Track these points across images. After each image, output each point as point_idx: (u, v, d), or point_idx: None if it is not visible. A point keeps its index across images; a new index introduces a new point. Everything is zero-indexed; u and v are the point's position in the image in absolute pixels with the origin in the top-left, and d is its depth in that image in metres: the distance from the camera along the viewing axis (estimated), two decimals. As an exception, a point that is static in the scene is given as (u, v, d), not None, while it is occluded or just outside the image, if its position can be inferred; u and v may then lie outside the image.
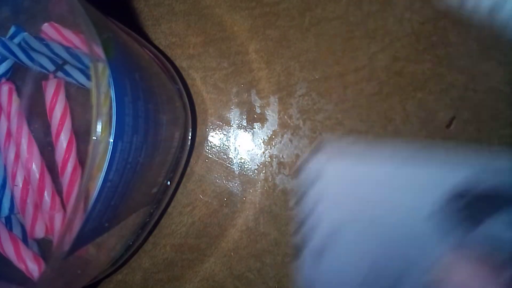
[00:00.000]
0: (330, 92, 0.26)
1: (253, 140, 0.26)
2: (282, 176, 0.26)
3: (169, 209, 0.26)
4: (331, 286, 0.17)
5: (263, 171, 0.26)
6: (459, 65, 0.26)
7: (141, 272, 0.26)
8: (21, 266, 0.22)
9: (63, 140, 0.22)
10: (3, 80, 0.24)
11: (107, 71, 0.15)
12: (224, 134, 0.26)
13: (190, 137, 0.25)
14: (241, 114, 0.26)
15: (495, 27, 0.26)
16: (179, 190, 0.26)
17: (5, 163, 0.23)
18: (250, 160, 0.26)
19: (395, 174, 0.21)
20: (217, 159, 0.26)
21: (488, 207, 0.19)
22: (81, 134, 0.22)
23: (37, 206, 0.22)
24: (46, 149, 0.23)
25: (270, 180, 0.26)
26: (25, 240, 0.23)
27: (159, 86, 0.22)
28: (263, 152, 0.26)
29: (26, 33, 0.24)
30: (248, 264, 0.26)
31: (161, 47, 0.26)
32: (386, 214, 0.20)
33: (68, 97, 0.23)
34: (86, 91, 0.23)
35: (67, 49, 0.23)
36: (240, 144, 0.26)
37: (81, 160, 0.22)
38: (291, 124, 0.26)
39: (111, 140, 0.15)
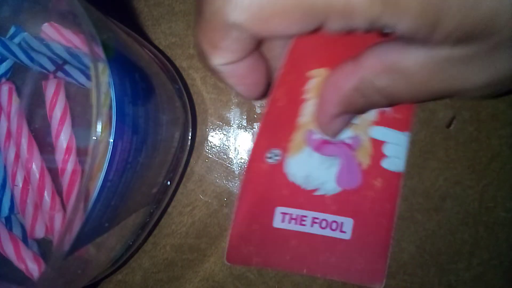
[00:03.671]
0: (330, 92, 0.26)
1: (253, 140, 0.26)
2: (282, 176, 0.26)
3: (169, 209, 0.26)
4: None
5: (263, 171, 0.26)
6: (459, 65, 0.26)
7: (141, 272, 0.26)
8: (21, 266, 0.22)
9: (63, 140, 0.22)
10: (3, 80, 0.24)
11: (107, 71, 0.15)
12: (224, 134, 0.26)
13: (190, 137, 0.25)
14: (241, 114, 0.26)
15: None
16: (179, 190, 0.26)
17: (5, 163, 0.23)
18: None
19: None
20: (217, 159, 0.26)
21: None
22: (81, 134, 0.22)
23: (37, 206, 0.22)
24: (46, 149, 0.23)
25: (270, 180, 0.26)
26: (25, 240, 0.23)
27: (159, 86, 0.22)
28: (263, 152, 0.26)
29: (26, 33, 0.24)
30: (248, 264, 0.26)
31: (161, 47, 0.26)
32: None
33: (68, 97, 0.23)
34: (86, 91, 0.23)
35: (67, 49, 0.23)
36: (240, 144, 0.26)
37: (81, 160, 0.22)
38: (291, 124, 0.26)
39: (111, 140, 0.15)
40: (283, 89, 0.22)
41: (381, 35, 0.22)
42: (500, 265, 0.26)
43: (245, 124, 0.26)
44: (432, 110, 0.26)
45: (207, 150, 0.26)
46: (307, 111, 0.23)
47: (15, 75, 0.25)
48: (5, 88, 0.23)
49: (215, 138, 0.26)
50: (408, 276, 0.26)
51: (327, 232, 0.24)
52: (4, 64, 0.24)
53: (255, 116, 0.26)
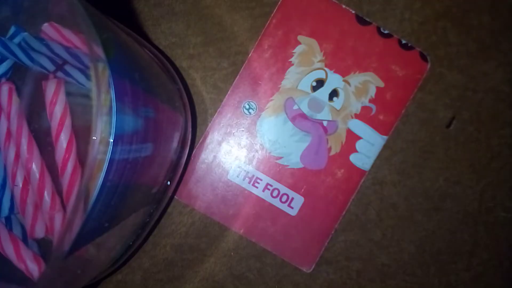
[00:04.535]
0: (330, 92, 0.26)
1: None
2: (282, 176, 0.26)
3: (169, 209, 0.26)
4: None
5: (263, 171, 0.26)
6: (459, 65, 0.26)
7: (141, 272, 0.26)
8: (21, 266, 0.22)
9: (63, 140, 0.22)
10: (3, 80, 0.24)
11: (107, 71, 0.15)
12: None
13: (190, 137, 0.25)
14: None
15: (495, 27, 0.26)
16: (179, 191, 0.26)
17: (5, 163, 0.23)
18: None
19: None
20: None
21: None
22: (81, 134, 0.22)
23: (37, 206, 0.22)
24: (46, 149, 0.23)
25: (270, 180, 0.26)
26: (25, 240, 0.23)
27: (159, 86, 0.22)
28: (263, 152, 0.26)
29: (26, 33, 0.24)
30: (248, 264, 0.26)
31: (161, 47, 0.26)
32: None
33: (68, 97, 0.23)
34: (86, 91, 0.23)
35: (67, 49, 0.23)
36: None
37: (81, 160, 0.22)
38: (291, 124, 0.26)
39: (111, 140, 0.15)
40: (272, 40, 0.23)
41: (380, 34, 0.22)
42: (500, 265, 0.26)
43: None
44: (432, 110, 0.26)
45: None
46: (291, 76, 0.24)
47: (15, 75, 0.25)
48: (5, 88, 0.23)
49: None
50: (408, 276, 0.26)
51: (276, 202, 0.25)
52: (4, 64, 0.24)
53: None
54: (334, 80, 0.25)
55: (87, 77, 0.23)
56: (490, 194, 0.26)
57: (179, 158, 0.24)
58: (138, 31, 0.26)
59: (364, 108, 0.25)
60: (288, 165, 0.25)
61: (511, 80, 0.26)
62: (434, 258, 0.26)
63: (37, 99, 0.23)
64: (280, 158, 0.25)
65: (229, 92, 0.25)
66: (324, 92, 0.25)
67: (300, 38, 0.24)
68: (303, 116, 0.24)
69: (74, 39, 0.24)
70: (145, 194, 0.22)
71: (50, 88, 0.22)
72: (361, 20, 0.25)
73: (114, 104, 0.16)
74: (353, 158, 0.25)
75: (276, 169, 0.25)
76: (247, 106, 0.24)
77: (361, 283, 0.26)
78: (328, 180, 0.25)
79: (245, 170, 0.25)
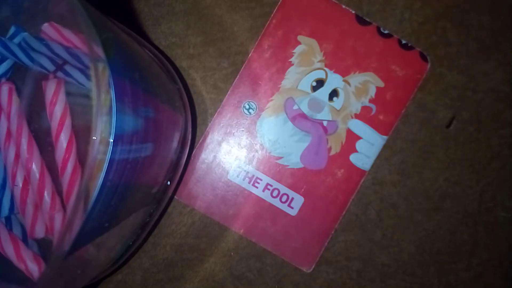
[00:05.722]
0: (330, 92, 0.26)
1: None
2: (282, 176, 0.26)
3: (169, 209, 0.26)
4: None
5: (263, 171, 0.26)
6: (459, 65, 0.26)
7: (141, 272, 0.26)
8: (21, 266, 0.22)
9: (63, 140, 0.22)
10: (3, 80, 0.24)
11: (107, 71, 0.15)
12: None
13: (190, 137, 0.25)
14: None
15: (495, 27, 0.26)
16: (179, 190, 0.26)
17: (5, 163, 0.23)
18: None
19: None
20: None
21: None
22: (81, 134, 0.22)
23: (37, 206, 0.22)
24: (46, 149, 0.23)
25: (270, 180, 0.26)
26: (25, 240, 0.23)
27: (159, 86, 0.22)
28: (263, 152, 0.26)
29: (26, 33, 0.24)
30: (248, 264, 0.26)
31: (161, 47, 0.26)
32: None
33: (68, 97, 0.23)
34: (86, 91, 0.23)
35: (67, 49, 0.23)
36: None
37: (81, 160, 0.22)
38: (291, 124, 0.26)
39: (111, 140, 0.15)
40: (272, 40, 0.23)
41: (380, 34, 0.22)
42: (500, 265, 0.26)
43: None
44: (432, 110, 0.26)
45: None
46: (291, 76, 0.24)
47: (15, 75, 0.25)
48: (5, 88, 0.23)
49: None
50: (408, 276, 0.26)
51: (276, 202, 0.25)
52: (4, 64, 0.24)
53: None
54: (334, 80, 0.25)
55: (87, 77, 0.23)
56: (490, 194, 0.26)
57: (179, 158, 0.23)
58: (138, 31, 0.26)
59: (364, 108, 0.25)
60: (288, 165, 0.25)
61: (511, 80, 0.26)
62: (434, 258, 0.26)
63: (37, 99, 0.23)
64: (280, 158, 0.25)
65: (229, 92, 0.25)
66: (324, 92, 0.25)
67: (300, 38, 0.24)
68: (303, 116, 0.24)
69: (74, 39, 0.24)
70: (145, 194, 0.22)
71: (50, 88, 0.22)
72: (361, 20, 0.25)
73: (114, 104, 0.16)
74: (353, 158, 0.25)
75: (276, 169, 0.25)
76: (247, 106, 0.24)
77: (361, 283, 0.26)
78: (328, 180, 0.25)
79: (245, 170, 0.25)
